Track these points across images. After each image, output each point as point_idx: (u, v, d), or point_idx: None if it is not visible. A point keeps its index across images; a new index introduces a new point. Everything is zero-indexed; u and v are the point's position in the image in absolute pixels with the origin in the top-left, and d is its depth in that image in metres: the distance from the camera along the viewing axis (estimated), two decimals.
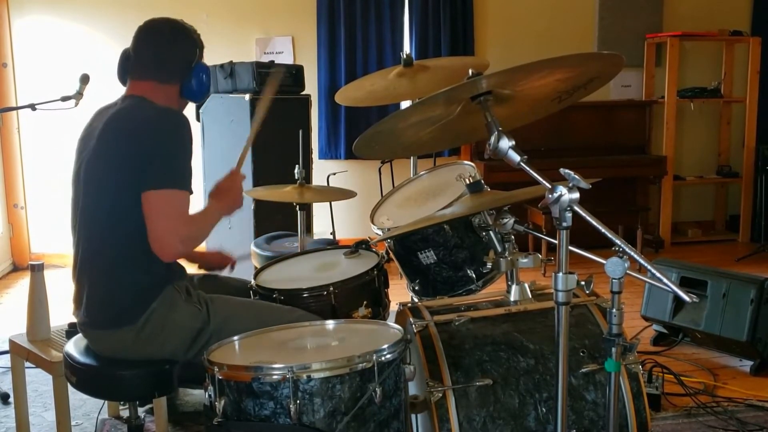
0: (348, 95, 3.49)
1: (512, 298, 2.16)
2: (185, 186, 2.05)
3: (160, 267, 2.09)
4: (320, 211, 4.99)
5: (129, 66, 2.21)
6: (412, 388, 2.01)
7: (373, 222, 2.79)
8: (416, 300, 2.57)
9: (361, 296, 2.43)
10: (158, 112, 2.11)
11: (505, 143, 1.67)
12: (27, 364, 2.70)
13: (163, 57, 2.18)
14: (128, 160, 2.03)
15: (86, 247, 2.15)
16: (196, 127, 4.66)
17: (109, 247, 2.11)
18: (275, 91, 2.58)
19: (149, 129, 2.06)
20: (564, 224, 1.54)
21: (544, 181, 1.59)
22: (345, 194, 3.12)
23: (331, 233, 4.75)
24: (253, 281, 2.53)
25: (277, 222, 4.08)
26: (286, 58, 5.56)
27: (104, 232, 2.10)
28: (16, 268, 5.58)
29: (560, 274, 1.56)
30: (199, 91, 2.23)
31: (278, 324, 2.06)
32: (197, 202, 2.23)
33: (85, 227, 2.15)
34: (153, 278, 2.11)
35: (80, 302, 2.20)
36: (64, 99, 3.20)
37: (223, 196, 2.25)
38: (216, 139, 4.67)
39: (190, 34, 2.23)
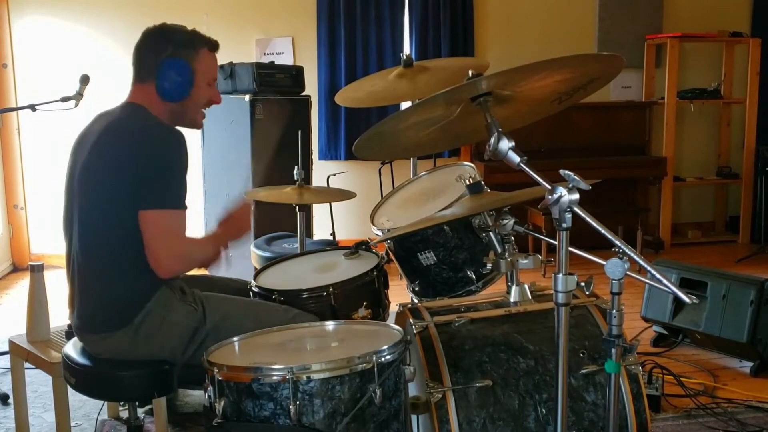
0: (348, 96, 3.49)
1: (512, 299, 2.16)
2: (180, 205, 2.09)
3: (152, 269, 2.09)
4: (320, 212, 4.99)
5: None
6: (412, 389, 2.00)
7: (373, 223, 2.79)
8: (416, 301, 2.57)
9: (360, 297, 2.43)
10: (154, 128, 2.11)
11: (505, 144, 1.66)
12: (27, 364, 2.70)
13: (140, 55, 2.20)
14: (122, 172, 2.04)
15: (79, 250, 2.15)
16: None
17: (102, 251, 2.11)
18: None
19: (145, 146, 2.06)
20: (564, 225, 1.54)
21: (544, 182, 1.59)
22: (345, 195, 3.12)
23: (330, 234, 4.74)
24: (252, 282, 2.52)
25: (277, 223, 4.08)
26: (286, 59, 5.55)
27: (97, 236, 2.11)
28: (15, 269, 5.58)
29: (560, 275, 1.56)
30: (170, 88, 2.15)
31: (274, 322, 2.07)
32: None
33: (78, 230, 2.15)
34: (146, 280, 2.10)
35: (74, 306, 2.20)
36: (64, 100, 3.20)
37: (233, 223, 2.30)
38: (216, 139, 4.67)
39: (167, 33, 2.19)
